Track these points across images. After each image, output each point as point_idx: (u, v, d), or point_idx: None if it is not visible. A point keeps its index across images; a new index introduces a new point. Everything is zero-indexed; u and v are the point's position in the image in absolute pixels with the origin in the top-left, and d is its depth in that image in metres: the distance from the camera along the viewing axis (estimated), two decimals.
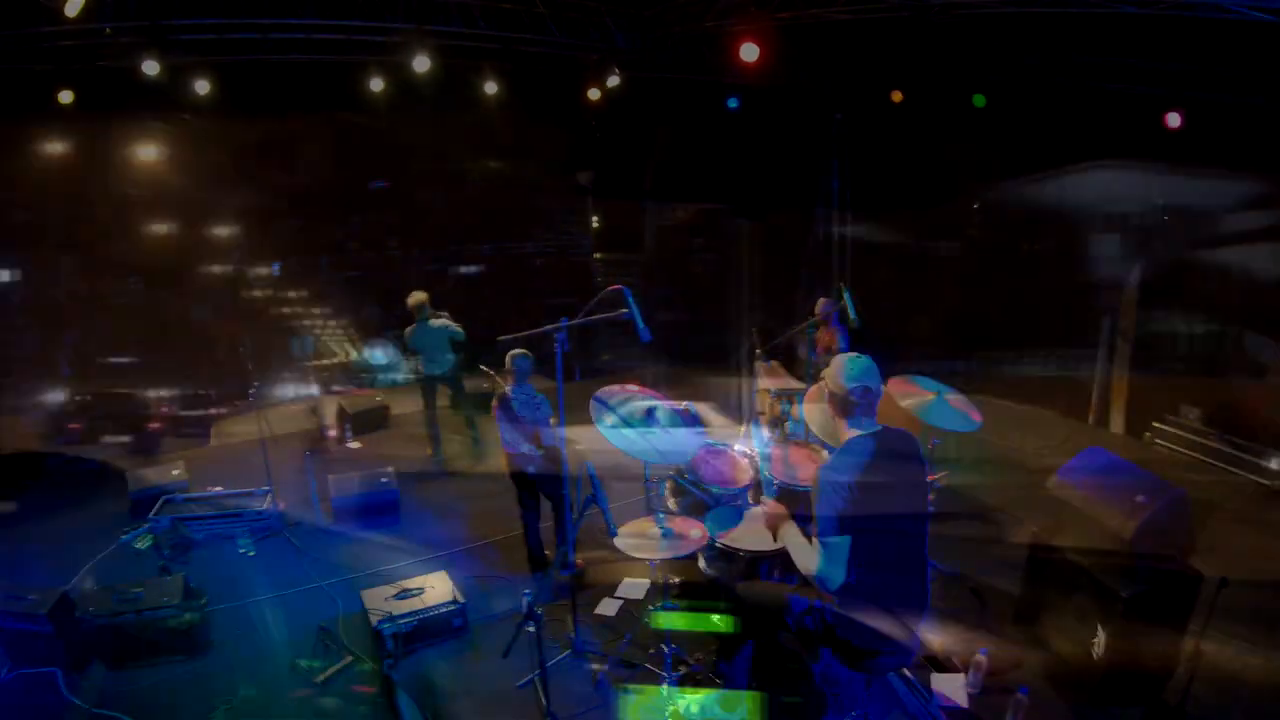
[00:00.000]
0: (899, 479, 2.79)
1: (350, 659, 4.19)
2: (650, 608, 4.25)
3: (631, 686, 3.65)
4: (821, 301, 6.72)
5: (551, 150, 10.40)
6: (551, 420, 4.76)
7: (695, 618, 3.87)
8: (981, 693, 3.62)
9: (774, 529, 3.10)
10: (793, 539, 2.95)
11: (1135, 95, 7.12)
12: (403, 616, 4.22)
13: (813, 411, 3.61)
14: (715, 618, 3.78)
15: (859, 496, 2.66)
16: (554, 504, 4.81)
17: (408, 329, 6.83)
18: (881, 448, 2.78)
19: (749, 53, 7.00)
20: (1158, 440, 7.12)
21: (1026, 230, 9.62)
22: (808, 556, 2.78)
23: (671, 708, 3.49)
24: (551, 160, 10.51)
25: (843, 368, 2.82)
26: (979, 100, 8.69)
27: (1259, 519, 5.58)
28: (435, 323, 6.78)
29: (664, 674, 3.69)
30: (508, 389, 4.82)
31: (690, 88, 9.40)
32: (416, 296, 6.79)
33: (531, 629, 3.49)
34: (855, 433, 2.82)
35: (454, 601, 4.39)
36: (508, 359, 4.83)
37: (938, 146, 9.16)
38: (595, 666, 3.99)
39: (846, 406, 2.80)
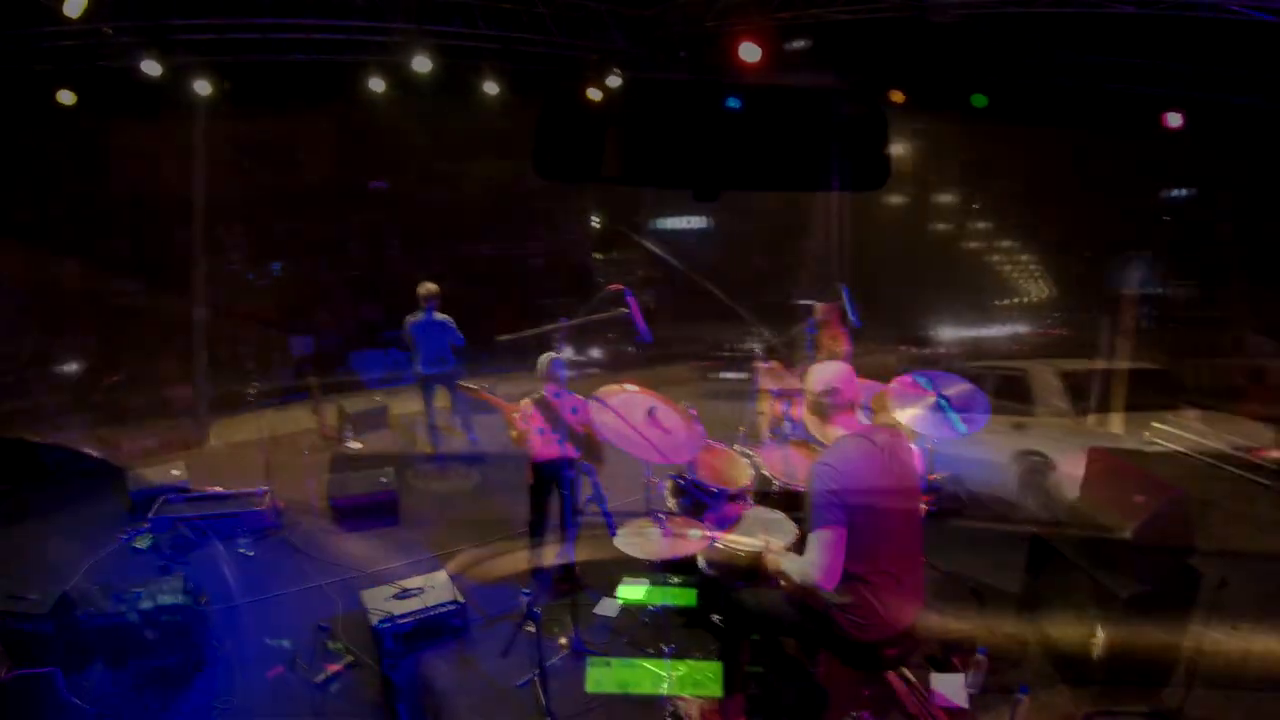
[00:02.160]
0: (889, 476, 2.81)
1: (350, 659, 4.19)
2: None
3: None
4: (822, 304, 6.69)
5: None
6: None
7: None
8: (981, 693, 3.62)
9: (775, 568, 3.13)
10: (788, 561, 2.97)
11: (1136, 95, 7.11)
12: (403, 616, 4.22)
13: None
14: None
15: (850, 492, 2.68)
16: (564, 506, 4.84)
17: (409, 317, 6.79)
18: (871, 445, 2.80)
19: (749, 53, 7.00)
20: (1158, 440, 7.11)
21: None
22: (803, 564, 2.80)
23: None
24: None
25: (814, 373, 2.95)
26: (979, 100, 8.67)
27: (1259, 519, 5.57)
28: (439, 317, 6.75)
29: (664, 674, 3.70)
30: (545, 391, 4.80)
31: (690, 88, 9.38)
32: (427, 287, 6.74)
33: (531, 629, 3.49)
34: (842, 431, 2.86)
35: (454, 601, 4.39)
36: (542, 362, 4.81)
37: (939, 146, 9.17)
38: (594, 666, 3.98)
39: (823, 409, 2.89)
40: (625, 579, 4.76)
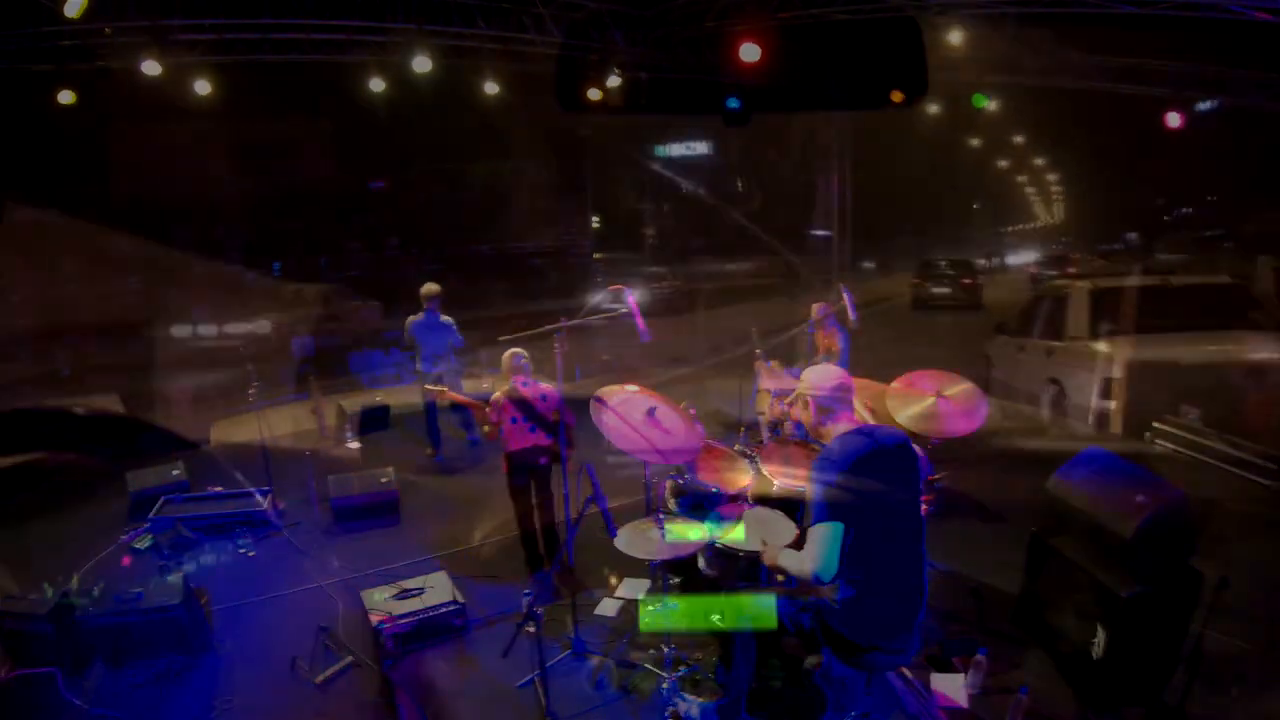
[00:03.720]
0: (890, 474, 2.81)
1: (350, 659, 4.19)
2: (648, 608, 4.23)
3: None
4: (818, 304, 6.71)
5: (551, 150, 10.40)
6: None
7: (693, 616, 3.84)
8: (981, 693, 3.62)
9: (772, 562, 3.14)
10: (786, 557, 2.98)
11: (1135, 95, 7.10)
12: (403, 616, 4.22)
13: None
14: (714, 616, 3.76)
15: (850, 488, 2.68)
16: (547, 499, 4.88)
17: (411, 318, 6.80)
18: (871, 443, 2.81)
19: (749, 53, 7.00)
20: (1158, 440, 7.11)
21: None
22: (801, 560, 2.80)
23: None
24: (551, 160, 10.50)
25: (811, 375, 3.00)
26: (979, 100, 8.68)
27: (1259, 519, 5.57)
28: (443, 319, 6.76)
29: (664, 674, 3.69)
30: (513, 382, 4.84)
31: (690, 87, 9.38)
32: (430, 287, 6.73)
33: (531, 629, 3.49)
34: (842, 428, 2.87)
35: (454, 601, 4.39)
36: (506, 357, 4.87)
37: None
38: (595, 666, 3.99)
39: (820, 409, 2.92)
40: (626, 579, 4.79)
